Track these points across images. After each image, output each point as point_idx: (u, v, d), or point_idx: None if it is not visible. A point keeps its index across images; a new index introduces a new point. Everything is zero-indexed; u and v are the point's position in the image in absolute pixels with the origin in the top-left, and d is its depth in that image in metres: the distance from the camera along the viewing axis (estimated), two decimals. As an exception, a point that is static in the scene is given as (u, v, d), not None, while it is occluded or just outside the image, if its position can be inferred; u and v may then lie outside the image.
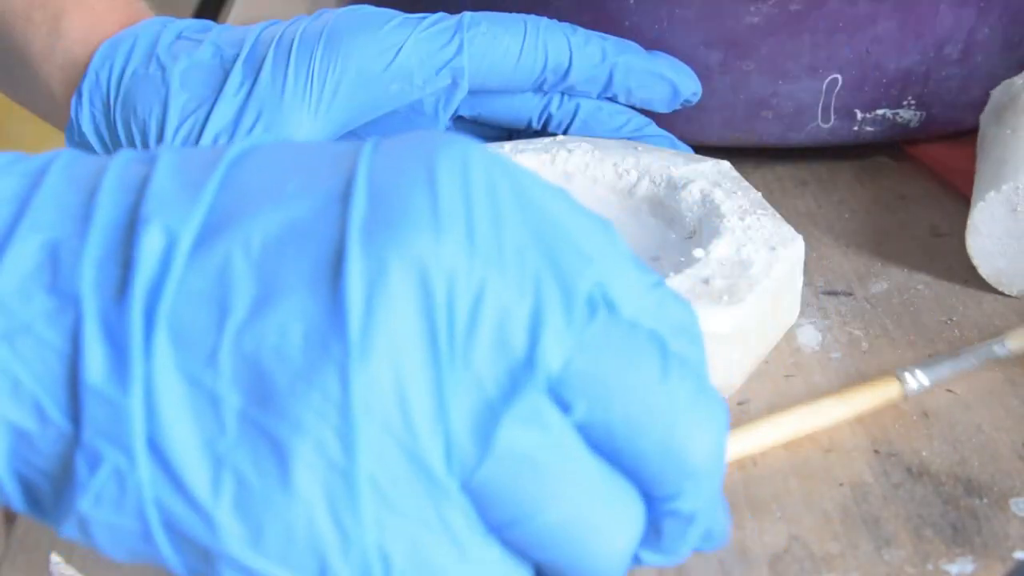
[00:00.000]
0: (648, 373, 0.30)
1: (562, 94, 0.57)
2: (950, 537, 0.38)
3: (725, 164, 0.53)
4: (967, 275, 0.52)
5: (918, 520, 0.39)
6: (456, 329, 0.28)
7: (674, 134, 0.58)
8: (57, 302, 0.28)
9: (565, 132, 0.57)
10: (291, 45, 0.52)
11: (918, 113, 0.60)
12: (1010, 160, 0.49)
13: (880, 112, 0.60)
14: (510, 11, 0.55)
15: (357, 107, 0.53)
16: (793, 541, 0.38)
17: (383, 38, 0.52)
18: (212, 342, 0.28)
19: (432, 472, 0.28)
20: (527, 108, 0.57)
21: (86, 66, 0.53)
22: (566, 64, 0.55)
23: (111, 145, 0.53)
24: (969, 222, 0.49)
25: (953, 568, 0.37)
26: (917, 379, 0.43)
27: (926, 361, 0.44)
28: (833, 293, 0.52)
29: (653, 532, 0.31)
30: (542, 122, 0.57)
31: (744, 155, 0.61)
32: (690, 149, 0.57)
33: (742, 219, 0.48)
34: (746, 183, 0.51)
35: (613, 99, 0.57)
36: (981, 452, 0.42)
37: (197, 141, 0.51)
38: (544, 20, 0.55)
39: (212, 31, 0.54)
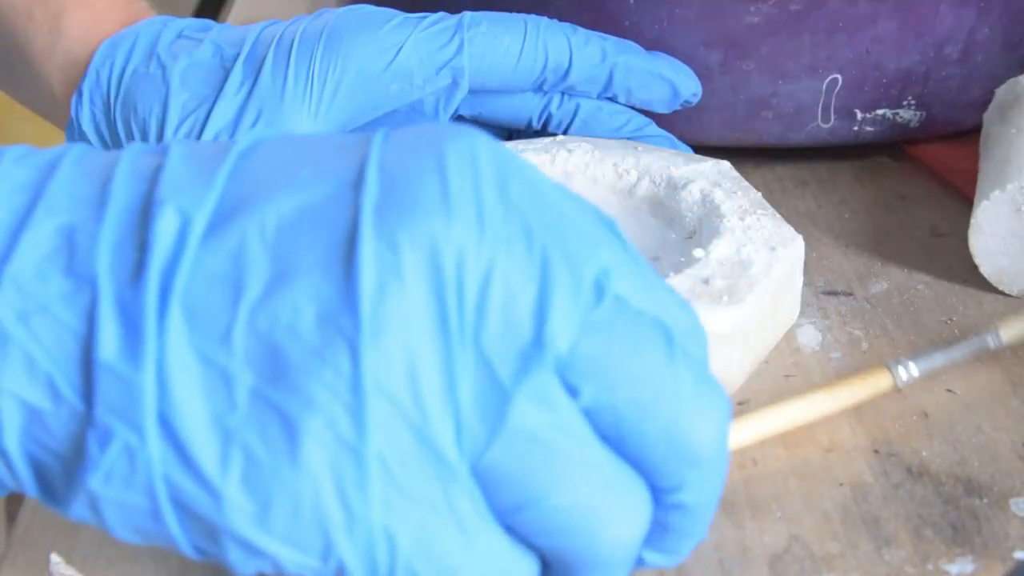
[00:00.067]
0: (654, 359, 0.30)
1: (562, 94, 0.57)
2: (950, 537, 0.38)
3: (725, 164, 0.53)
4: (967, 275, 0.52)
5: (918, 520, 0.39)
6: (466, 309, 0.28)
7: (674, 134, 0.58)
8: (73, 283, 0.28)
9: (565, 132, 0.57)
10: (291, 45, 0.52)
11: (918, 113, 0.60)
12: (1014, 159, 0.49)
13: (880, 112, 0.60)
14: (510, 11, 0.55)
15: (357, 107, 0.53)
16: (793, 541, 0.38)
17: (383, 38, 0.52)
18: (226, 321, 0.28)
19: (441, 452, 0.28)
20: (527, 108, 0.57)
21: (87, 65, 0.53)
22: (566, 64, 0.55)
23: (111, 144, 0.53)
24: (972, 221, 0.49)
25: (953, 568, 0.37)
26: (908, 370, 0.43)
27: (917, 352, 0.44)
28: (833, 293, 0.52)
29: (658, 529, 0.31)
30: (542, 122, 0.57)
31: (744, 155, 0.61)
32: (690, 149, 0.57)
33: (742, 219, 0.48)
34: (746, 183, 0.51)
35: (613, 99, 0.57)
36: (981, 452, 0.42)
37: (197, 140, 0.51)
38: (544, 20, 0.55)
39: (212, 30, 0.54)
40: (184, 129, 0.51)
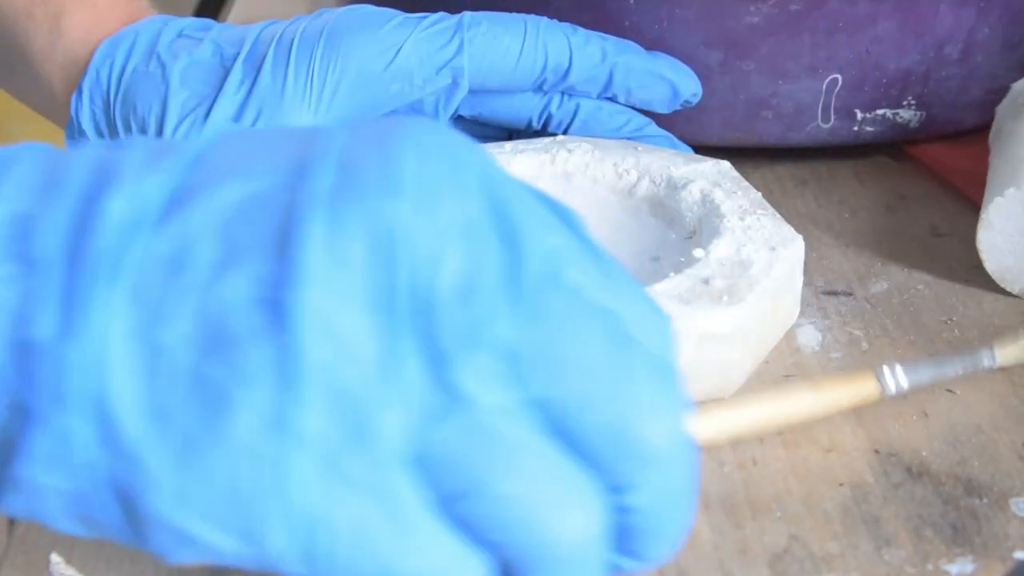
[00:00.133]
0: (602, 351, 0.29)
1: (562, 94, 0.57)
2: (950, 537, 0.38)
3: (725, 164, 0.53)
4: (967, 275, 0.52)
5: (918, 520, 0.39)
6: (409, 291, 0.28)
7: (674, 134, 0.58)
8: (20, 268, 0.28)
9: (565, 132, 0.57)
10: (291, 44, 0.52)
11: (918, 113, 0.60)
12: None
13: (880, 112, 0.60)
14: (510, 11, 0.55)
15: (357, 107, 0.53)
16: (793, 541, 0.38)
17: (383, 38, 0.52)
18: (169, 301, 0.28)
19: (381, 436, 0.28)
20: (527, 108, 0.57)
21: (87, 64, 0.53)
22: (566, 64, 0.55)
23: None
24: (983, 215, 0.49)
25: (953, 568, 0.37)
26: (896, 380, 0.42)
27: (909, 363, 0.43)
28: (833, 293, 0.52)
29: (623, 532, 0.30)
30: (542, 122, 0.57)
31: (744, 155, 0.61)
32: (690, 149, 0.57)
33: (742, 219, 0.48)
34: (746, 183, 0.51)
35: (613, 99, 0.57)
36: (981, 452, 0.42)
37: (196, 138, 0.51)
38: (544, 20, 0.55)
39: (213, 30, 0.54)
40: (184, 127, 0.51)
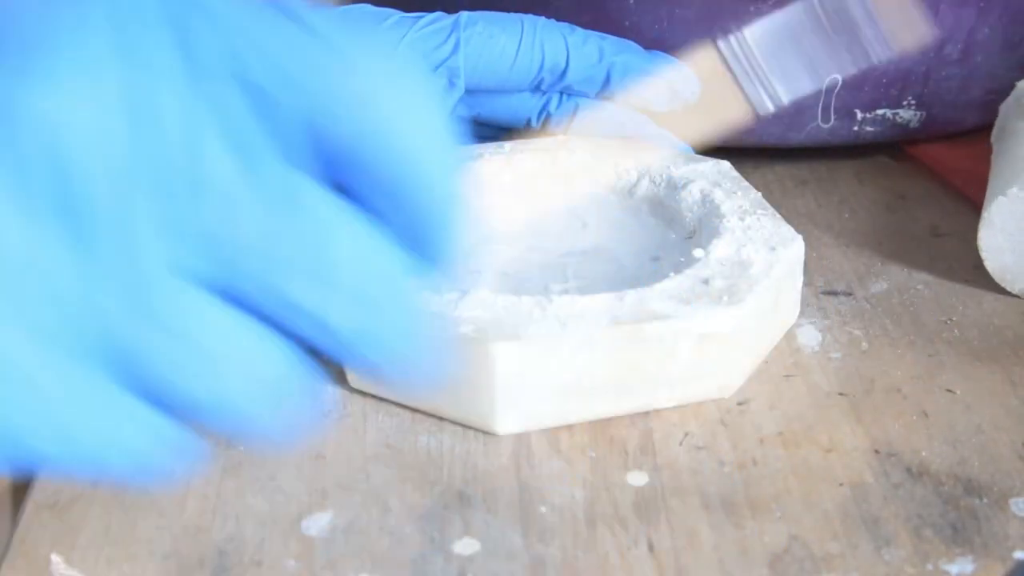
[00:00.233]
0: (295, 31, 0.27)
1: (561, 93, 0.57)
2: (950, 537, 0.38)
3: (725, 164, 0.53)
4: (967, 275, 0.52)
5: (918, 520, 0.39)
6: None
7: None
8: None
9: (565, 132, 0.57)
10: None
11: (918, 113, 0.60)
12: None
13: (880, 112, 0.60)
14: (509, 11, 0.55)
15: None
16: (793, 541, 0.38)
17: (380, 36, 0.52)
18: None
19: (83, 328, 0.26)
20: (526, 107, 0.57)
21: None
22: (563, 64, 0.55)
23: None
24: (984, 214, 0.49)
25: (953, 568, 0.37)
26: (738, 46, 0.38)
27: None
28: (833, 293, 0.52)
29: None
30: (541, 121, 0.57)
31: (744, 155, 0.61)
32: (690, 149, 0.57)
33: (742, 219, 0.48)
34: (746, 183, 0.51)
35: (611, 99, 0.57)
36: (981, 452, 0.42)
37: None
38: (541, 20, 0.55)
39: None
40: None
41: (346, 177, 0.28)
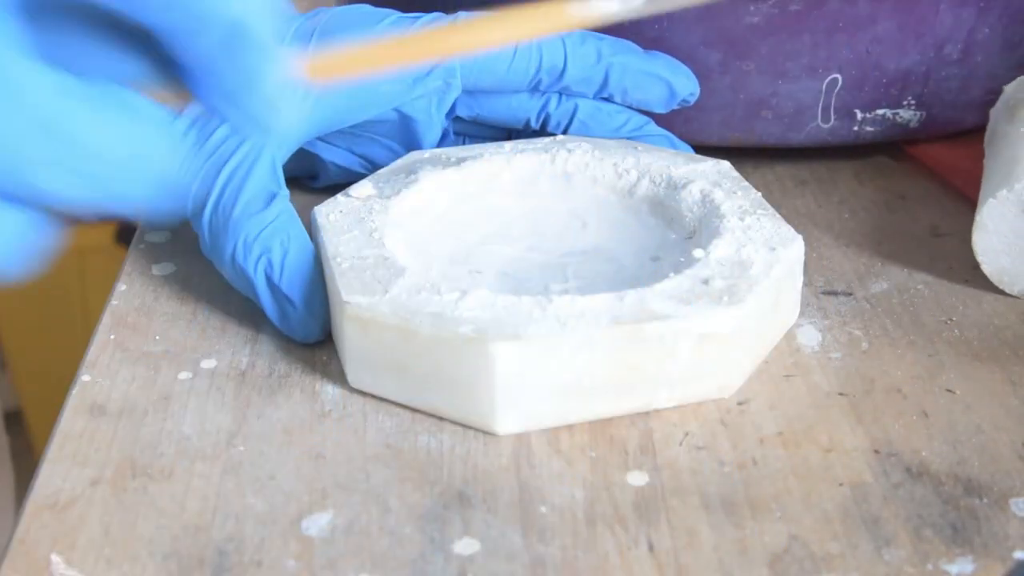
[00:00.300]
0: None
1: (560, 94, 0.57)
2: (950, 537, 0.38)
3: (725, 164, 0.53)
4: (967, 275, 0.52)
5: (918, 520, 0.39)
6: None
7: (674, 134, 0.58)
8: None
9: (564, 132, 0.57)
10: (285, 39, 0.52)
11: (918, 113, 0.60)
12: (1022, 158, 0.49)
13: (880, 112, 0.60)
14: (509, 11, 0.55)
15: (346, 103, 0.53)
16: (793, 541, 0.38)
17: (376, 36, 0.52)
18: None
19: None
20: (525, 108, 0.57)
21: None
22: (561, 65, 0.55)
23: None
24: (977, 218, 0.49)
25: (953, 568, 0.37)
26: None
27: None
28: (833, 293, 0.52)
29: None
30: (540, 122, 0.57)
31: (744, 155, 0.61)
32: (690, 149, 0.57)
33: (742, 219, 0.48)
34: (746, 183, 0.51)
35: (609, 99, 0.57)
36: (981, 452, 0.42)
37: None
38: (542, 20, 0.55)
39: None
40: None
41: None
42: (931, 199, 0.59)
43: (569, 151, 0.54)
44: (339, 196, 0.51)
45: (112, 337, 0.49)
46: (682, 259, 0.47)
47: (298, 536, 0.39)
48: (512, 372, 0.42)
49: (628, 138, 0.56)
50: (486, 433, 0.43)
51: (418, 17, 0.53)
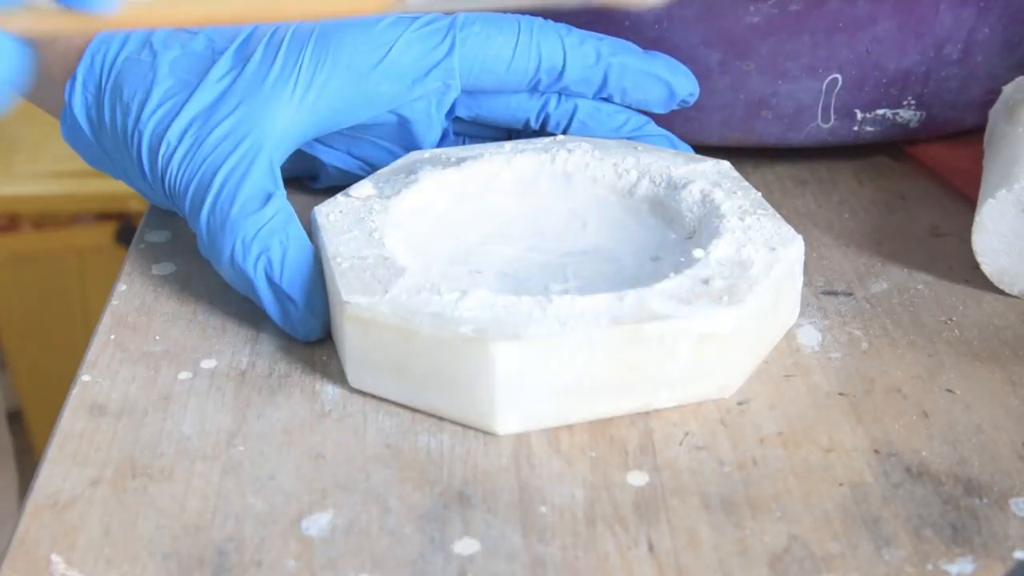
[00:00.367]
0: None
1: (559, 94, 0.56)
2: (950, 537, 0.38)
3: (725, 164, 0.53)
4: (967, 275, 0.52)
5: (918, 520, 0.39)
6: None
7: (674, 134, 0.58)
8: None
9: (564, 132, 0.57)
10: (283, 39, 0.52)
11: (918, 113, 0.60)
12: (1021, 159, 0.49)
13: (880, 112, 0.60)
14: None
15: (345, 103, 0.53)
16: (793, 541, 0.38)
17: (375, 36, 0.52)
18: None
19: None
20: (524, 108, 0.57)
21: (83, 51, 0.53)
22: (560, 65, 0.54)
23: (98, 128, 0.53)
24: (976, 218, 0.49)
25: (953, 568, 0.37)
26: None
27: None
28: (833, 293, 0.52)
29: None
30: (540, 122, 0.57)
31: (744, 155, 0.61)
32: (690, 149, 0.57)
33: (742, 219, 0.48)
34: (746, 183, 0.51)
35: (609, 99, 0.57)
36: (981, 452, 0.42)
37: (171, 124, 0.51)
38: (538, 20, 0.54)
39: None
40: (161, 112, 0.51)
41: None
42: (931, 199, 0.59)
43: (569, 151, 0.54)
44: (339, 196, 0.51)
45: (112, 337, 0.49)
46: (682, 259, 0.47)
47: (298, 536, 0.39)
48: (512, 372, 0.42)
49: (628, 138, 0.56)
50: (486, 433, 0.43)
51: (417, 17, 0.53)
